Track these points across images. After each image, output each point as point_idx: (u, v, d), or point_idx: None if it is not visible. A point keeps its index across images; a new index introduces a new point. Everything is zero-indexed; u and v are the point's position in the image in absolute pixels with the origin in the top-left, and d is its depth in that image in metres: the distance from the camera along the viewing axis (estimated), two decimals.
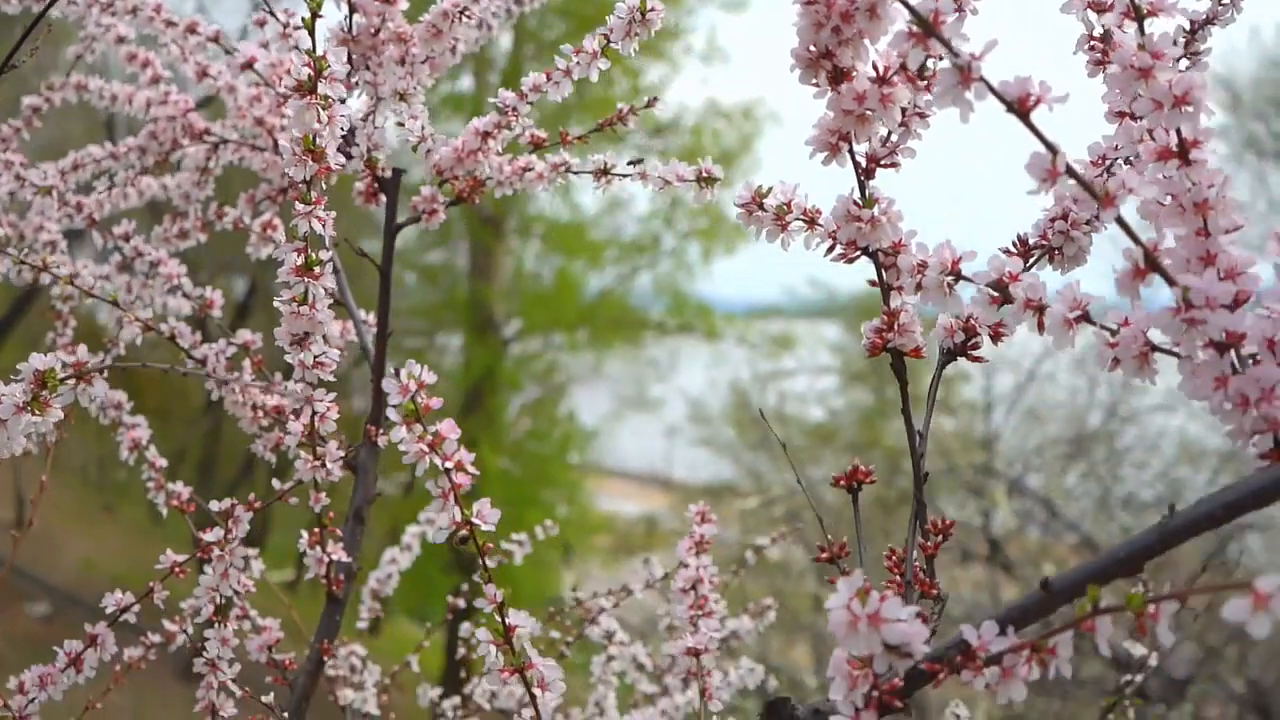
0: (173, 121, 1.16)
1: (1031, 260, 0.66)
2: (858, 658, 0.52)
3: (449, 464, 0.60)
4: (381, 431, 0.92)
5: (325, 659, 0.95)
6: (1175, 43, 0.66)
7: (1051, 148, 0.49)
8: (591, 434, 11.15)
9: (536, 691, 0.62)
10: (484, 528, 0.60)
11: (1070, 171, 0.48)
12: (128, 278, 1.15)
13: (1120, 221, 0.49)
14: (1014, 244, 0.66)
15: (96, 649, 0.88)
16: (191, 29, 1.06)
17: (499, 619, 0.62)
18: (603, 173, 0.91)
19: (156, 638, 1.08)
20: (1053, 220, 0.66)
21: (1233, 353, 0.50)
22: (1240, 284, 0.51)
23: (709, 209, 11.64)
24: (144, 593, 0.89)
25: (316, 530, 0.93)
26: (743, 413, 10.08)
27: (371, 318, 1.07)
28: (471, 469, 0.60)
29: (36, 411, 0.65)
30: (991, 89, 0.48)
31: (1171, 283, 0.49)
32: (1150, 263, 0.49)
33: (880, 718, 0.53)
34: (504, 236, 11.14)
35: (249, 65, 1.02)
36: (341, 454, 0.87)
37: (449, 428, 0.60)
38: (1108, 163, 0.66)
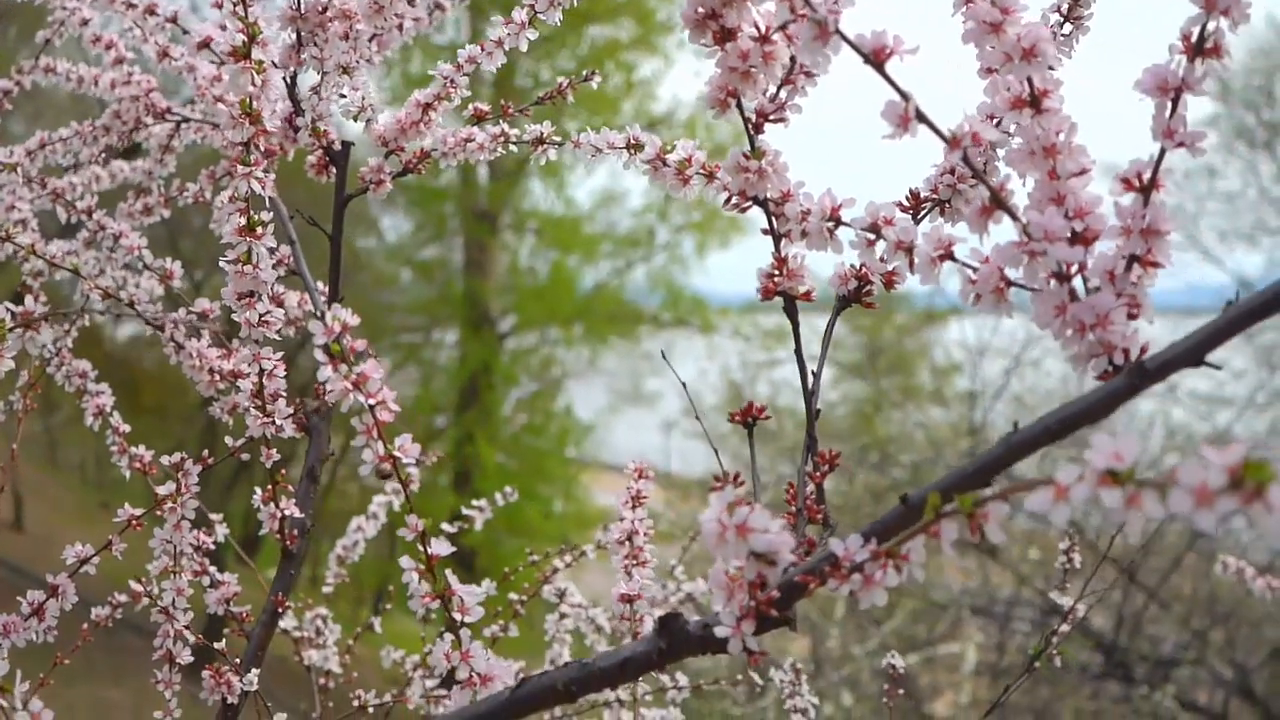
0: (136, 101, 1.21)
1: (923, 213, 0.70)
2: (736, 571, 0.56)
3: (373, 401, 0.64)
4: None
5: (280, 611, 1.00)
6: (1058, 8, 0.71)
7: (904, 95, 0.53)
8: (588, 428, 11.19)
9: (457, 615, 0.66)
10: (404, 460, 0.65)
11: (920, 116, 0.53)
12: (94, 253, 1.19)
13: (968, 163, 0.54)
14: (906, 197, 0.71)
15: (58, 599, 0.93)
16: (150, 10, 1.10)
17: (421, 549, 0.66)
18: (539, 141, 0.96)
19: (122, 597, 1.12)
20: (942, 174, 0.70)
21: (1079, 283, 0.55)
22: (1088, 222, 0.55)
23: (702, 203, 11.68)
24: (103, 545, 0.94)
25: (270, 487, 0.97)
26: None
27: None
28: (394, 406, 0.65)
29: None
30: (848, 41, 0.53)
31: (1015, 219, 0.53)
32: (996, 201, 0.54)
33: (760, 628, 0.57)
34: (498, 232, 11.18)
35: (205, 45, 1.06)
36: (290, 411, 0.92)
37: (372, 368, 0.64)
38: (996, 119, 0.70)
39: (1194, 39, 0.54)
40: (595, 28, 10.35)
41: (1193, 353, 0.49)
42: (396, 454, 0.65)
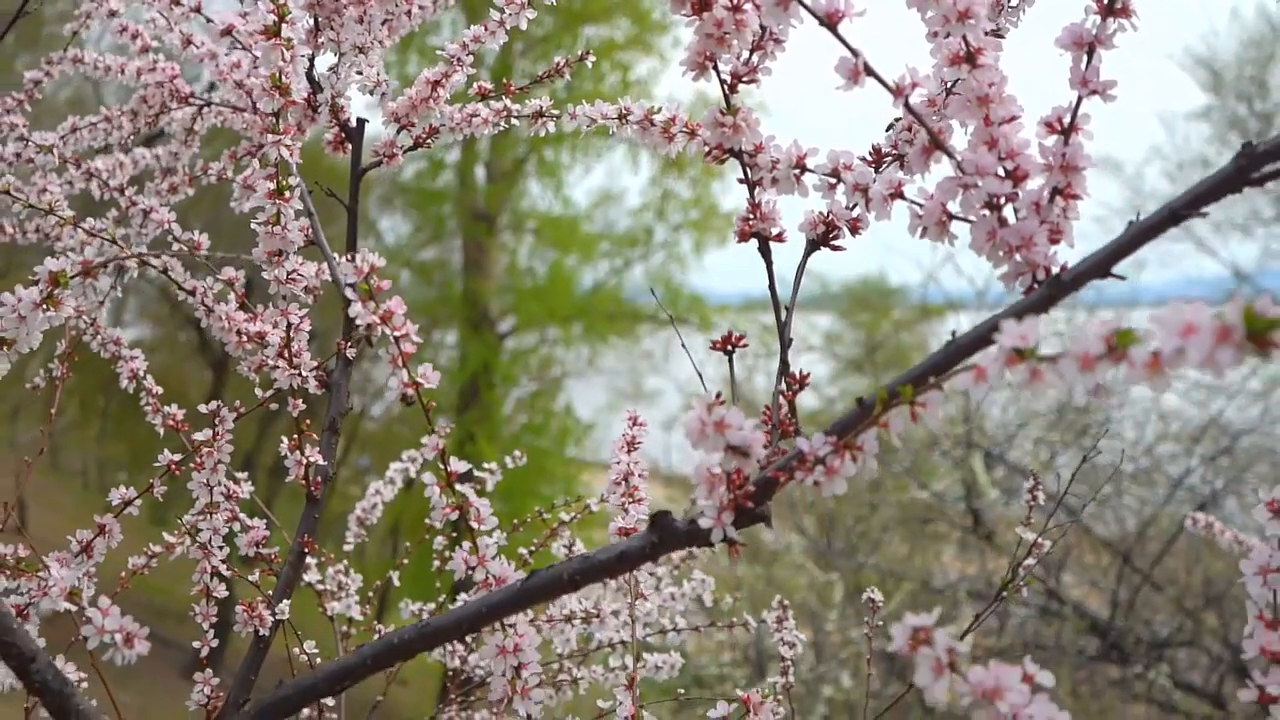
0: (160, 87, 1.29)
1: (885, 165, 0.79)
2: (717, 469, 0.64)
3: (398, 333, 0.72)
4: (351, 347, 1.05)
5: (306, 551, 1.08)
6: None
7: (854, 52, 0.62)
8: (588, 427, 11.26)
9: (474, 524, 0.75)
10: (426, 385, 0.73)
11: (868, 70, 0.61)
12: (122, 230, 1.27)
13: (909, 110, 0.62)
14: (869, 151, 0.79)
15: (105, 537, 1.01)
16: (175, 1, 1.19)
17: (442, 466, 0.75)
18: (539, 115, 1.04)
19: (156, 548, 1.21)
20: (903, 131, 0.78)
21: (1010, 213, 0.63)
22: (1018, 161, 0.64)
23: (699, 201, 11.76)
24: (145, 488, 1.02)
25: (296, 436, 1.06)
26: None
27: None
28: (416, 338, 0.73)
29: (50, 306, 0.78)
30: (805, 6, 0.61)
31: (951, 157, 0.62)
32: (935, 142, 0.62)
33: (738, 521, 0.66)
34: (497, 233, 11.26)
35: (228, 32, 1.14)
36: (315, 364, 1.00)
37: (397, 304, 0.73)
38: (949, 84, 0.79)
39: (1107, 2, 0.63)
40: (590, 28, 10.43)
41: (1100, 265, 0.58)
42: (419, 379, 0.73)
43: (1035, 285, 0.61)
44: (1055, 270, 0.61)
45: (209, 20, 1.18)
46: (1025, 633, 6.33)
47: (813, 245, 0.78)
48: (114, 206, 1.34)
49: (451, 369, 10.93)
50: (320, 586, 1.37)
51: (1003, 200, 0.62)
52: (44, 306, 0.77)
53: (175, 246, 1.20)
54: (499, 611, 0.70)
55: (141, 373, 1.21)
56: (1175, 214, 0.57)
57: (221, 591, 1.04)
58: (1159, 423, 7.24)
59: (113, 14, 1.28)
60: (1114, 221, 8.89)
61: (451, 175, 11.00)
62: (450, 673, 1.45)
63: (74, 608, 0.76)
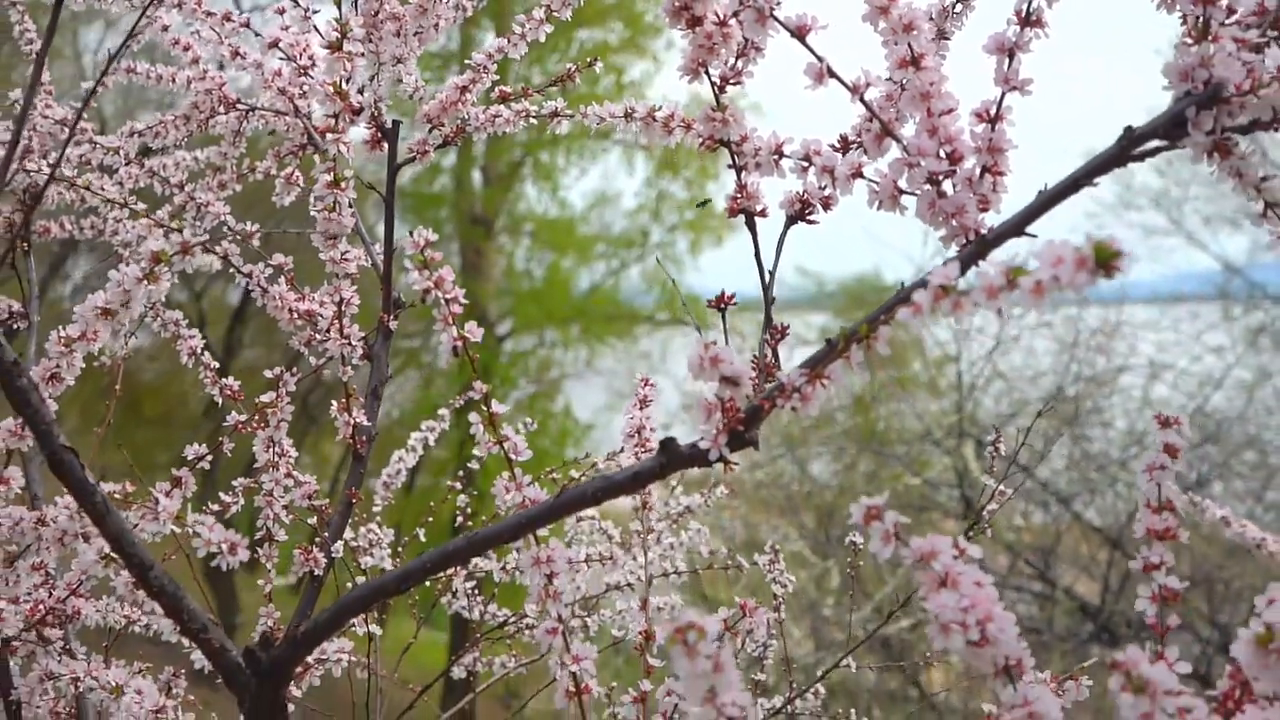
0: (209, 94, 1.44)
1: (850, 150, 0.94)
2: (714, 398, 0.79)
3: (448, 296, 0.87)
4: (393, 319, 1.20)
5: (353, 501, 1.23)
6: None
7: (819, 58, 0.76)
8: (587, 428, 11.40)
9: (512, 456, 0.90)
10: (472, 338, 0.88)
11: (830, 72, 0.76)
12: (177, 222, 1.42)
13: (865, 104, 0.77)
14: (838, 139, 0.94)
15: (181, 488, 1.16)
16: (226, 17, 1.34)
17: (485, 407, 0.90)
18: (554, 115, 1.19)
19: (228, 498, 1.35)
20: (864, 122, 0.93)
21: (948, 186, 0.78)
22: (954, 145, 0.79)
23: (695, 201, 11.92)
24: (216, 445, 1.17)
25: (344, 399, 1.20)
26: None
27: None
28: (463, 300, 0.88)
29: (151, 281, 0.92)
30: (779, 22, 0.76)
31: (899, 142, 0.77)
32: (885, 130, 0.77)
33: (731, 444, 0.80)
34: (494, 236, 11.41)
35: (274, 44, 1.29)
36: (363, 335, 1.15)
37: (447, 272, 0.88)
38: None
39: (1023, 14, 0.78)
40: (584, 31, 10.58)
41: (1016, 227, 0.73)
42: (465, 334, 0.88)
43: (966, 243, 0.76)
44: (983, 232, 0.76)
45: (257, 35, 1.33)
46: (1020, 617, 6.50)
47: (790, 220, 0.93)
48: (167, 203, 1.48)
49: (451, 372, 11.07)
50: (355, 543, 1.52)
51: (941, 177, 0.77)
52: (145, 282, 0.92)
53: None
54: (535, 523, 0.85)
55: (199, 349, 1.35)
56: (1076, 182, 0.72)
57: (282, 536, 1.19)
58: (1149, 410, 7.41)
59: (166, 28, 1.43)
60: (1106, 217, 9.05)
61: (448, 179, 11.15)
62: (473, 624, 1.60)
63: (178, 529, 0.91)
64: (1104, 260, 0.54)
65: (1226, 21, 0.72)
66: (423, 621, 1.73)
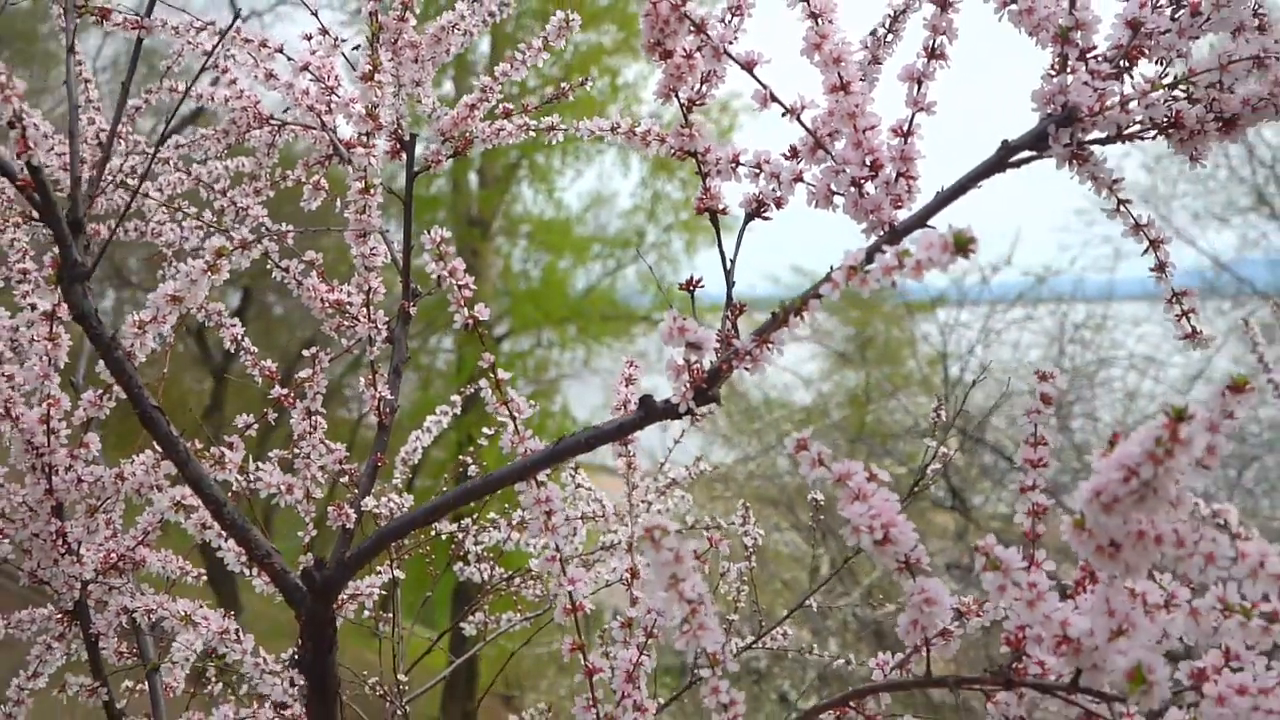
0: (245, 111, 1.62)
1: (797, 159, 1.12)
2: (682, 361, 0.97)
3: (460, 282, 1.06)
4: (412, 304, 1.38)
5: (379, 465, 1.41)
6: (875, 31, 1.13)
7: (764, 85, 0.95)
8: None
9: (516, 414, 1.08)
10: (482, 317, 1.07)
11: (773, 97, 0.95)
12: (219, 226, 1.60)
13: (800, 122, 0.96)
14: (788, 149, 1.13)
15: (234, 450, 1.34)
16: (263, 44, 1.52)
17: (492, 375, 1.08)
18: (552, 128, 1.38)
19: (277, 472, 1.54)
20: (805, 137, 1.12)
21: (869, 188, 0.97)
22: (875, 155, 0.98)
23: (690, 202, 12.11)
24: (261, 414, 1.35)
25: (370, 375, 1.39)
26: (729, 404, 10.53)
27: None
28: (472, 286, 1.07)
29: (214, 272, 1.11)
30: (731, 57, 0.95)
31: (828, 153, 0.96)
32: (817, 143, 0.96)
33: (697, 399, 0.99)
34: (491, 237, 11.59)
35: (305, 68, 1.47)
36: (388, 319, 1.34)
37: (460, 263, 1.06)
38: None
39: (930, 49, 0.97)
40: (578, 34, 10.77)
41: (919, 220, 0.92)
42: (475, 314, 1.07)
43: (884, 234, 0.95)
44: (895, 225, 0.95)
45: (290, 59, 1.52)
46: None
47: (749, 216, 1.11)
48: (208, 207, 1.67)
49: (449, 373, 11.25)
50: (376, 511, 1.70)
51: (863, 180, 0.95)
52: (209, 272, 1.10)
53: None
54: (538, 466, 1.03)
55: (240, 336, 1.54)
56: (964, 186, 0.91)
57: (318, 494, 1.37)
58: (1135, 404, 7.61)
59: (206, 54, 1.61)
60: (1094, 213, 9.23)
61: (445, 182, 11.32)
62: (479, 585, 1.79)
63: (241, 478, 1.09)
64: (961, 245, 0.73)
65: (1090, 54, 0.91)
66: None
